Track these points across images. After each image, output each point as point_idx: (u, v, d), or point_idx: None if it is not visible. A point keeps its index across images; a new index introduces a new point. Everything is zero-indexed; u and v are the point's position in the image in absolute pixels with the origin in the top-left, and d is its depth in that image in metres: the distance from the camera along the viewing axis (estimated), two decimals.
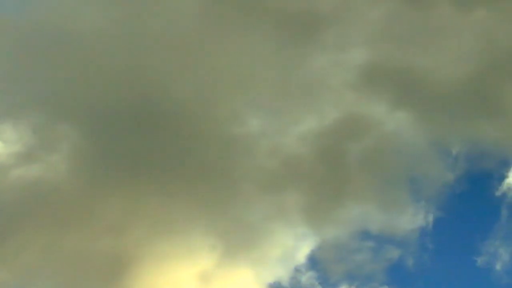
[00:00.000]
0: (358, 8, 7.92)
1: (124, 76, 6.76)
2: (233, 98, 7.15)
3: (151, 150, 6.75)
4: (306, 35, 7.59)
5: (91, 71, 6.72)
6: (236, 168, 7.16)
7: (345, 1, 8.07)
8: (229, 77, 7.19)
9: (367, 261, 6.17)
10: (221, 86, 7.14)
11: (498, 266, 6.13)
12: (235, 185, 6.94)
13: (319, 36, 7.63)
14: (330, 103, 7.52)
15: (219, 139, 7.15)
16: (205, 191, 6.79)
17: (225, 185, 6.92)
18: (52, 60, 6.73)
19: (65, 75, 6.70)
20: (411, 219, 6.61)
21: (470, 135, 7.48)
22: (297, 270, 6.09)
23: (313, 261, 6.20)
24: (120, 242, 6.24)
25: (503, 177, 7.14)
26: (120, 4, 7.00)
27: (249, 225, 6.44)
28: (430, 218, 6.66)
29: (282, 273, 6.11)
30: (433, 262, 6.07)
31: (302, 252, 6.26)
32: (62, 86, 6.71)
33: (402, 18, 7.78)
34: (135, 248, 6.20)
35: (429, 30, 7.76)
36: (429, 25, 7.73)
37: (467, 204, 6.92)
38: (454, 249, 6.19)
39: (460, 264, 6.07)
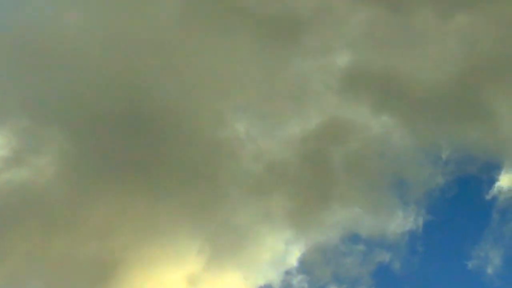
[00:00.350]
0: (341, 12, 8.01)
1: (110, 79, 6.76)
2: (218, 102, 7.15)
3: (138, 154, 6.76)
4: (289, 39, 7.66)
5: (76, 75, 6.73)
6: (222, 172, 7.20)
7: (329, 6, 8.16)
8: (214, 81, 7.17)
9: (356, 265, 6.10)
10: (206, 90, 7.13)
11: (489, 270, 6.05)
12: (221, 189, 6.97)
13: (302, 40, 7.72)
14: (314, 107, 7.59)
15: (204, 143, 7.20)
16: (192, 195, 6.82)
17: (211, 189, 6.95)
18: (38, 63, 6.75)
19: (50, 79, 6.70)
20: (401, 223, 6.56)
21: (457, 138, 7.58)
22: (287, 273, 6.04)
23: (303, 265, 6.13)
24: (107, 246, 6.24)
25: (493, 181, 7.16)
26: (104, 8, 7.00)
27: (236, 228, 6.43)
28: (420, 221, 6.60)
29: (271, 276, 6.06)
30: (423, 265, 5.99)
31: (291, 255, 6.21)
32: (48, 89, 6.72)
33: (385, 22, 7.80)
34: (122, 252, 6.19)
35: (411, 34, 7.80)
36: (411, 29, 7.72)
37: (457, 207, 6.87)
38: (444, 253, 6.11)
39: (451, 268, 5.98)
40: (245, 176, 7.16)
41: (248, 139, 7.24)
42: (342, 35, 8.22)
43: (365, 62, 7.92)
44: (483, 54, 7.69)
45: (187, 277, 6.19)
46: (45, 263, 6.11)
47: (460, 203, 6.96)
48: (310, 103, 7.74)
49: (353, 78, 7.67)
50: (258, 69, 7.79)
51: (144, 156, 6.77)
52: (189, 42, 7.39)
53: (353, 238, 6.42)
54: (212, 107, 7.22)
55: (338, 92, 7.61)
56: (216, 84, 7.33)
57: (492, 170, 7.34)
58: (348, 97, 7.62)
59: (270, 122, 7.46)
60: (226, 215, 6.65)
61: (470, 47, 7.82)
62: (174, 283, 6.14)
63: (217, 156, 7.27)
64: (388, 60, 7.83)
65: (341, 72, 7.68)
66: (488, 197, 6.97)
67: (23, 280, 6.05)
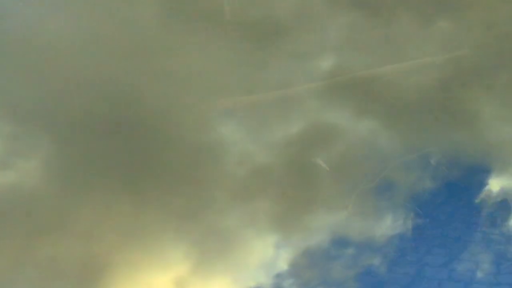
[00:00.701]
0: (323, 16, 7.99)
1: (95, 83, 6.68)
2: (202, 106, 7.11)
3: (124, 157, 6.66)
4: (273, 43, 7.63)
5: (61, 79, 6.64)
6: (207, 176, 7.14)
7: (311, 10, 8.16)
8: (198, 85, 7.13)
9: (346, 268, 6.09)
10: (190, 95, 7.08)
11: (478, 274, 6.09)
12: (207, 192, 6.92)
13: (285, 44, 7.67)
14: (297, 111, 7.57)
15: (189, 147, 7.17)
16: (178, 199, 6.75)
17: (196, 193, 6.89)
18: (23, 67, 6.66)
19: (36, 82, 6.60)
20: (389, 226, 6.55)
21: (444, 142, 7.49)
22: (276, 276, 6.01)
23: (293, 268, 6.10)
24: (94, 250, 6.15)
25: (482, 185, 7.17)
26: (88, 11, 6.91)
27: (223, 232, 6.33)
28: (409, 225, 6.62)
29: (261, 279, 6.03)
30: (411, 269, 6.01)
31: (280, 258, 6.17)
32: (33, 93, 6.62)
33: (367, 26, 7.84)
34: (108, 256, 6.09)
35: (392, 39, 7.83)
36: (393, 33, 7.78)
37: (446, 211, 6.88)
38: (433, 257, 6.12)
39: (439, 271, 6.01)
40: (231, 180, 7.09)
41: (232, 143, 7.20)
42: (324, 40, 8.31)
43: (348, 66, 7.93)
44: (465, 58, 7.77)
45: (174, 281, 6.13)
46: (31, 267, 6.00)
47: (449, 207, 6.99)
48: (293, 107, 7.67)
49: (337, 82, 7.63)
50: (242, 73, 7.77)
51: (130, 160, 6.70)
52: (172, 45, 7.34)
53: (342, 241, 6.40)
54: (196, 111, 7.18)
55: (322, 95, 7.59)
56: (199, 88, 7.30)
57: (480, 174, 7.31)
58: (331, 101, 7.61)
59: (254, 126, 7.41)
60: (213, 218, 6.56)
61: (451, 53, 7.91)
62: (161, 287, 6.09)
63: (202, 160, 7.19)
64: (369, 64, 7.86)
65: (324, 76, 7.70)
66: (477, 201, 7.02)
67: (8, 283, 5.95)
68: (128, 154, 6.84)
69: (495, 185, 7.14)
